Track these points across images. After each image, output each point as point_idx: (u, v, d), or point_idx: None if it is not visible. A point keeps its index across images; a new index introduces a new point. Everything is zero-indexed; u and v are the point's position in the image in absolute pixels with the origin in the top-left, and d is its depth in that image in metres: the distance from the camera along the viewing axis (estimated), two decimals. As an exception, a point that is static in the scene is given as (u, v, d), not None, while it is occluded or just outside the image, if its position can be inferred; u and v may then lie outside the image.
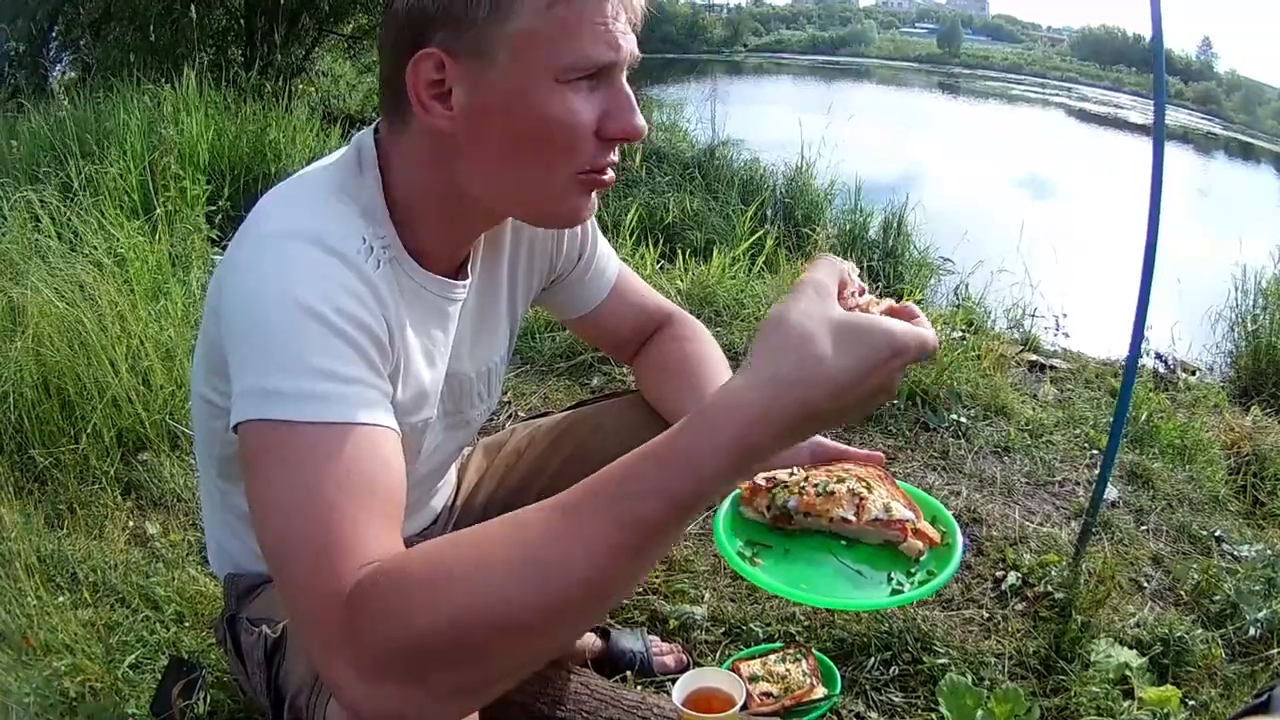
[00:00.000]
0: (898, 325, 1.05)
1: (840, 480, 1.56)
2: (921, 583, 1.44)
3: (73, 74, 11.59)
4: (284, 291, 1.22)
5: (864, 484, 1.56)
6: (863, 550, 1.52)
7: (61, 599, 2.76)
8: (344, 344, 1.22)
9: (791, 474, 1.59)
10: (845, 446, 1.64)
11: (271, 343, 1.20)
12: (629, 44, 1.34)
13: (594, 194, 1.42)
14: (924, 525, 1.53)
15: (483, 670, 1.01)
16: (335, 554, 1.07)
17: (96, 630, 2.63)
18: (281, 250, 1.27)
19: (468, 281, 1.59)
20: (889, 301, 1.18)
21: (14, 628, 2.60)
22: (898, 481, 1.62)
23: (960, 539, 1.52)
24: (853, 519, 1.50)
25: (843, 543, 1.53)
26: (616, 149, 1.41)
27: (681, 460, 0.99)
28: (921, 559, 1.49)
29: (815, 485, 1.55)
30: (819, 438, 1.64)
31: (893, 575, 1.46)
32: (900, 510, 1.51)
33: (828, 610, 2.72)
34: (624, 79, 1.37)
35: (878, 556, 1.50)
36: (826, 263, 1.12)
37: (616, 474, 1.01)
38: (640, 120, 1.37)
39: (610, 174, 1.41)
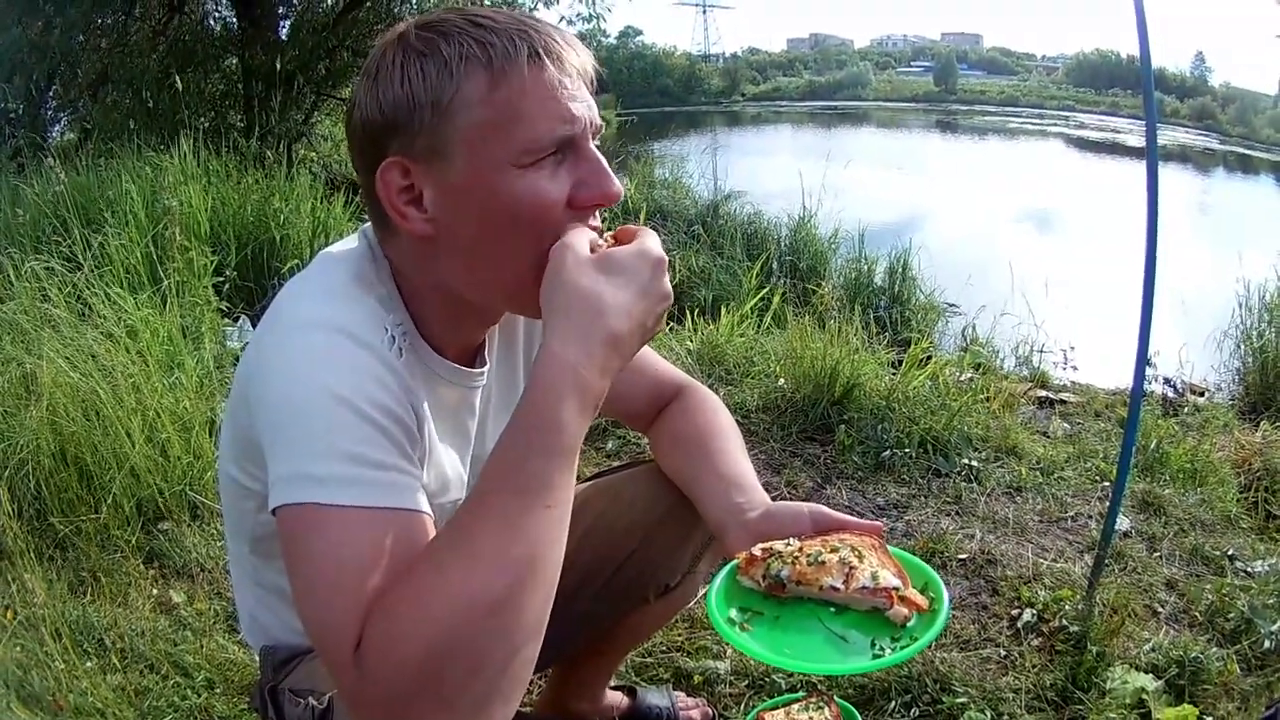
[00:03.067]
0: (642, 244, 1.36)
1: (834, 550, 1.58)
2: (903, 647, 1.47)
3: (71, 135, 11.67)
4: (316, 381, 1.25)
5: (856, 553, 1.58)
6: (851, 616, 1.54)
7: (89, 664, 2.78)
8: (376, 431, 1.26)
9: (788, 544, 1.62)
10: (846, 517, 1.68)
11: (307, 430, 1.24)
12: (586, 111, 1.36)
13: None
14: (910, 592, 1.55)
15: (488, 662, 1.12)
16: (352, 626, 1.13)
17: (128, 695, 2.66)
18: (310, 340, 1.30)
19: (486, 369, 1.62)
20: (618, 226, 1.45)
21: (43, 690, 2.62)
22: (892, 550, 1.64)
23: (946, 606, 1.54)
24: (841, 587, 1.53)
25: (832, 610, 1.56)
26: (596, 214, 1.42)
27: (544, 421, 1.21)
28: (908, 624, 1.51)
29: (808, 555, 1.57)
30: (821, 508, 1.69)
31: (876, 641, 1.49)
32: (887, 578, 1.54)
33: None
34: (591, 145, 1.39)
35: (865, 622, 1.53)
36: (574, 230, 1.34)
37: (500, 454, 1.22)
38: (615, 185, 1.39)
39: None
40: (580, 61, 1.38)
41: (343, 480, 1.20)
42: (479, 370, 1.60)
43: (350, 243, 1.50)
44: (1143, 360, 2.88)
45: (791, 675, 2.74)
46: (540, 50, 1.32)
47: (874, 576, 1.53)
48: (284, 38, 12.90)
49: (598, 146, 1.41)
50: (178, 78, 9.16)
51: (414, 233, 1.37)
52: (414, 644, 1.08)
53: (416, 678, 1.08)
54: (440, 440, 1.53)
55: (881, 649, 1.47)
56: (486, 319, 1.57)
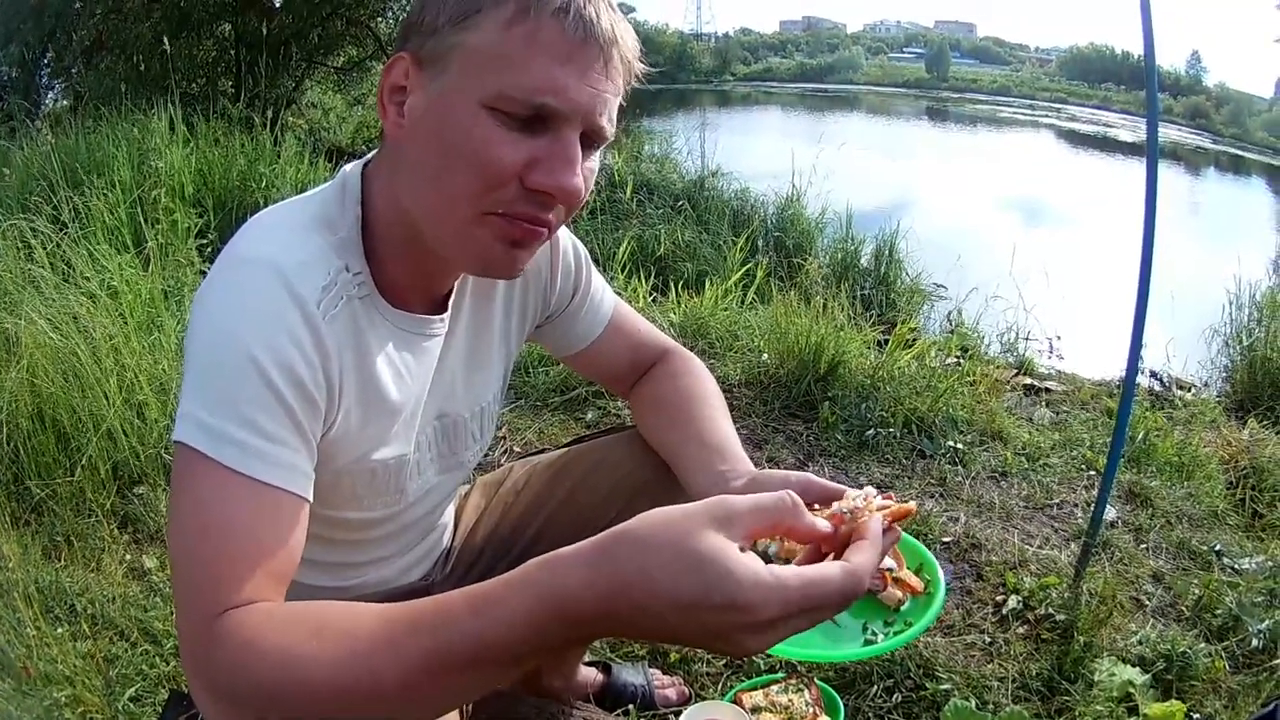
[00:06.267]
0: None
1: None
2: (898, 633, 1.39)
3: (65, 102, 11.64)
4: (234, 332, 1.24)
5: None
6: None
7: (60, 630, 2.75)
8: (276, 402, 1.24)
9: None
10: (836, 486, 1.59)
11: (212, 379, 1.23)
12: (585, 98, 1.26)
13: (523, 249, 1.36)
14: (905, 574, 1.47)
15: None
16: (213, 591, 1.13)
17: (96, 662, 2.63)
18: (244, 281, 1.29)
19: (445, 316, 1.56)
20: (876, 504, 1.25)
21: (13, 657, 2.59)
22: None
23: (943, 590, 1.46)
24: None
25: None
26: (557, 207, 1.34)
27: (493, 610, 0.99)
28: (901, 608, 1.44)
29: None
30: (809, 475, 1.57)
31: (869, 625, 1.41)
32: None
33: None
34: (572, 134, 1.28)
35: (856, 605, 1.45)
36: (760, 505, 1.08)
37: (439, 605, 1.03)
38: (574, 180, 1.29)
39: (536, 228, 1.33)
40: (616, 47, 1.29)
41: (232, 442, 1.20)
42: (438, 318, 1.54)
43: (324, 185, 1.46)
44: (1137, 348, 2.86)
45: (771, 655, 2.68)
46: (575, 9, 1.23)
47: None
48: (278, 4, 12.81)
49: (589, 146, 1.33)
50: (167, 42, 9.09)
51: (388, 132, 1.34)
52: (254, 675, 1.06)
53: (241, 688, 1.07)
54: (385, 394, 1.47)
55: (874, 634, 1.40)
56: (448, 266, 1.50)
